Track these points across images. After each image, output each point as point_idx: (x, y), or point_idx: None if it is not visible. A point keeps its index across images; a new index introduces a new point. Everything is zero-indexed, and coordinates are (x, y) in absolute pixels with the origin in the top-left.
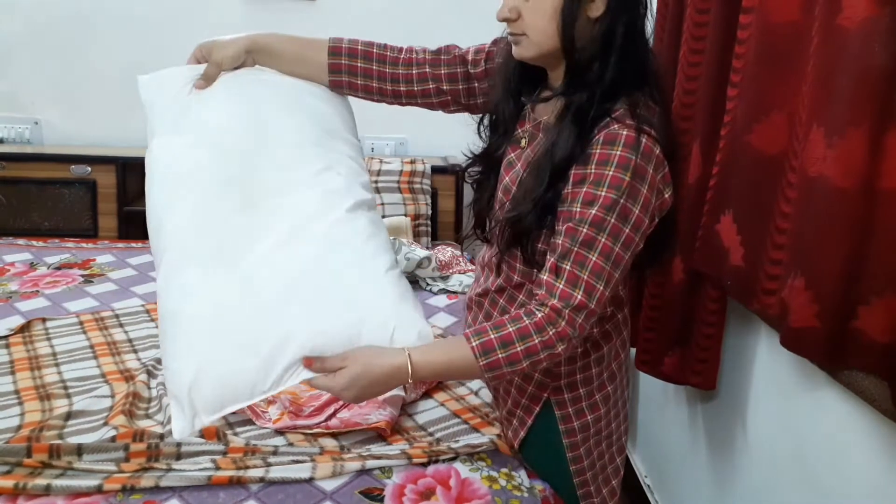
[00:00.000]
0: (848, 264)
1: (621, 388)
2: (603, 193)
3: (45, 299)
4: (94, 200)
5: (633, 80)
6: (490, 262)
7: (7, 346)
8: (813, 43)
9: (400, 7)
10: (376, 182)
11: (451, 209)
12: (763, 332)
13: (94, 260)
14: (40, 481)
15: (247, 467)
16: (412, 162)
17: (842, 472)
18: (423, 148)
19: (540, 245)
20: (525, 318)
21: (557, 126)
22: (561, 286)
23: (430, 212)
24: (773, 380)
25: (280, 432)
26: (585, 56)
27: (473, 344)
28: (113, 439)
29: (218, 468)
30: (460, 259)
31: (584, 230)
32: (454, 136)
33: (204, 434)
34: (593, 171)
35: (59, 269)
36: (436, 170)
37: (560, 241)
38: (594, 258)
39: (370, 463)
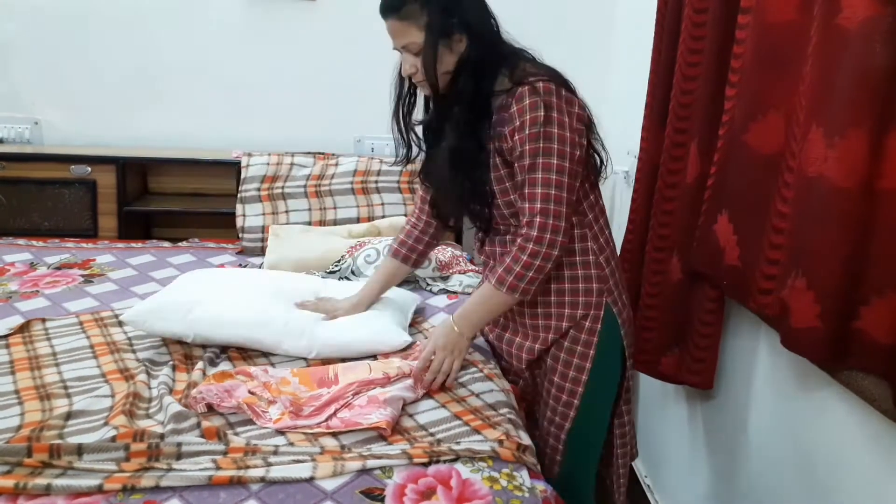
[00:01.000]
0: (849, 265)
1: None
2: (527, 132)
3: (45, 299)
4: (93, 200)
5: (493, 73)
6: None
7: (7, 346)
8: (812, 43)
9: None
10: (376, 182)
11: None
12: (763, 331)
13: (93, 260)
14: (40, 481)
15: (247, 467)
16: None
17: (842, 472)
18: None
19: (500, 211)
20: (513, 247)
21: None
22: (526, 206)
23: None
24: (773, 380)
25: (280, 432)
26: (451, 79)
27: (492, 282)
28: (113, 439)
29: (218, 468)
30: (460, 259)
31: (526, 162)
32: None
33: (204, 434)
34: (517, 123)
35: (59, 269)
36: None
37: (519, 179)
38: (539, 176)
39: (371, 463)
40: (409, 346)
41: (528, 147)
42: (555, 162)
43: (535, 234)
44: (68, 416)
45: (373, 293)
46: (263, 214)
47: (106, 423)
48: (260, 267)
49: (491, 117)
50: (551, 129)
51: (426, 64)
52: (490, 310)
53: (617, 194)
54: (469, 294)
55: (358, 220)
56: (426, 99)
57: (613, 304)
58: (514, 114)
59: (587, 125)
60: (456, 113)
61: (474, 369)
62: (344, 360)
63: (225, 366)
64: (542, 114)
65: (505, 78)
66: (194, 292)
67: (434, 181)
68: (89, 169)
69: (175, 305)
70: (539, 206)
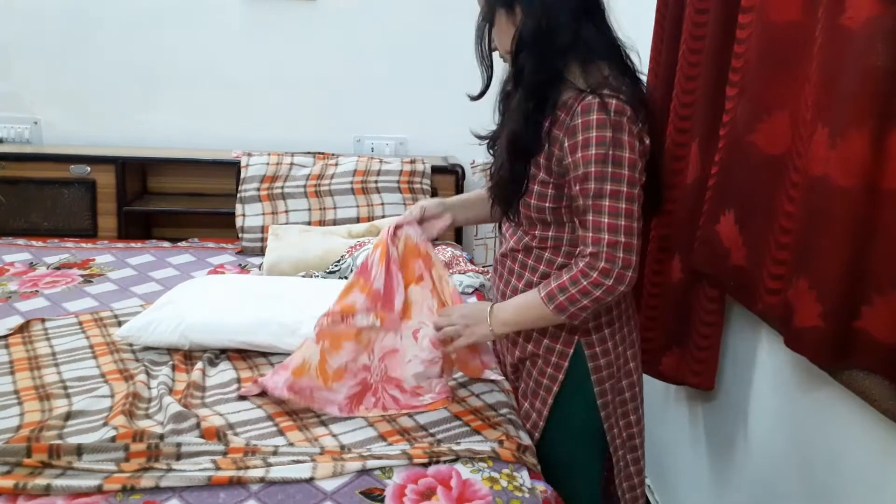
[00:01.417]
0: (851, 264)
1: (629, 328)
2: (593, 152)
3: (44, 299)
4: (93, 200)
5: (564, 57)
6: (507, 226)
7: (6, 346)
8: (816, 43)
9: (399, 7)
10: (376, 182)
11: None
12: (763, 331)
13: (93, 260)
14: (40, 481)
15: (247, 467)
16: (412, 162)
17: (842, 472)
18: (423, 148)
19: (527, 211)
20: (574, 268)
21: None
22: (590, 236)
23: None
24: (774, 380)
25: (281, 432)
26: (516, 56)
27: (541, 294)
28: (113, 439)
29: (218, 468)
30: (460, 259)
31: (591, 186)
32: (454, 136)
33: (204, 434)
34: (580, 138)
35: (58, 269)
36: (436, 170)
37: (578, 204)
38: (606, 203)
39: (371, 463)
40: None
41: (593, 169)
42: (625, 189)
43: (602, 264)
44: (68, 416)
45: (459, 200)
46: (263, 214)
47: (105, 424)
48: (259, 267)
49: (553, 111)
50: (621, 154)
51: (476, 34)
52: (530, 319)
53: None
54: (469, 294)
55: (358, 220)
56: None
57: (588, 346)
58: (577, 126)
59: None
60: (518, 95)
61: None
62: None
63: (224, 365)
64: (610, 135)
65: (578, 74)
66: (184, 303)
67: (495, 154)
68: (89, 169)
69: (166, 318)
70: (607, 237)
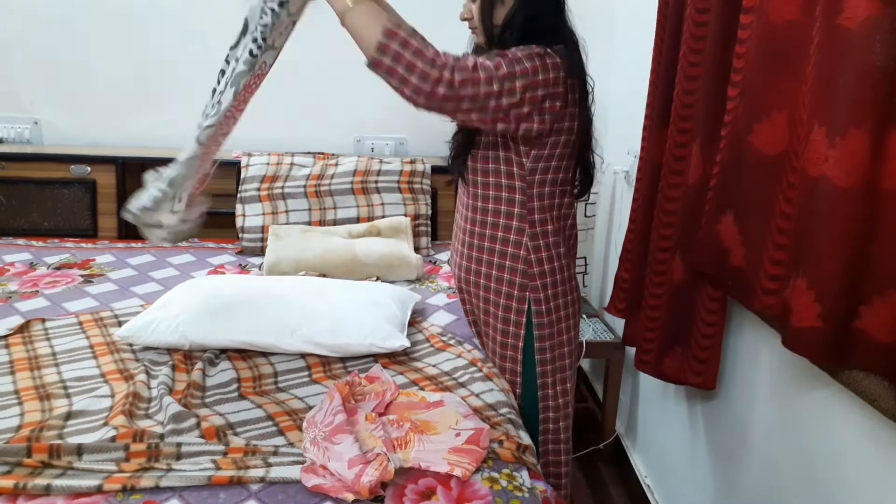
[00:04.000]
0: (849, 264)
1: (572, 303)
2: (512, 53)
3: (44, 299)
4: (93, 200)
5: (539, 41)
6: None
7: (7, 346)
8: (814, 43)
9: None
10: (376, 182)
11: (452, 209)
12: (763, 331)
13: (93, 260)
14: (40, 481)
15: (247, 467)
16: (412, 162)
17: (842, 471)
18: (423, 148)
19: (473, 163)
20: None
21: None
22: (470, 58)
23: (430, 212)
24: (774, 380)
25: (281, 432)
26: (499, 32)
27: (390, 23)
28: (113, 439)
29: (218, 468)
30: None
31: (497, 58)
32: None
33: (204, 434)
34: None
35: (58, 269)
36: (436, 170)
37: None
38: (494, 60)
39: None
40: (405, 350)
41: (506, 57)
42: (504, 70)
43: (449, 64)
44: (68, 416)
45: None
46: (263, 214)
47: (105, 424)
48: (259, 267)
49: None
50: (524, 61)
51: (482, 11)
52: (366, 21)
53: (617, 194)
54: None
55: (358, 220)
56: (476, 47)
57: (535, 302)
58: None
59: (583, 137)
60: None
61: (474, 368)
62: (343, 360)
63: (224, 365)
64: (526, 52)
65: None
66: (184, 303)
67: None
68: (89, 169)
69: (166, 318)
70: (472, 61)
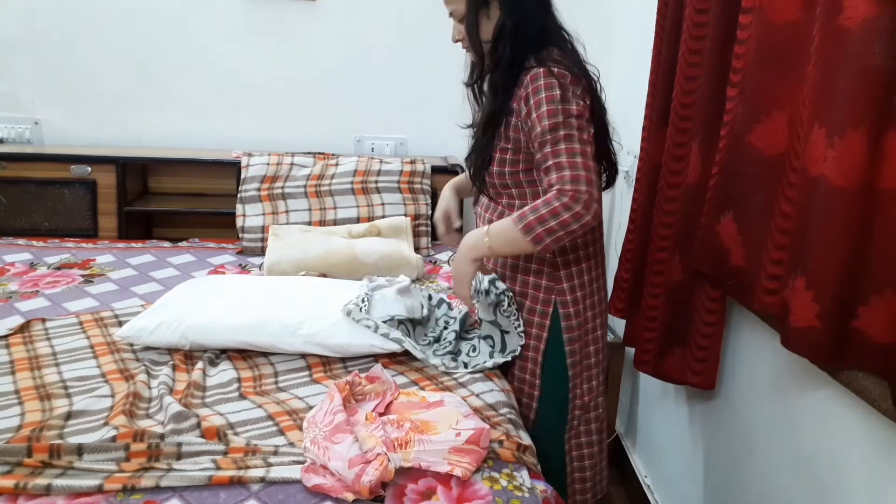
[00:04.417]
0: (848, 264)
1: (599, 294)
2: (545, 109)
3: (45, 299)
4: (94, 200)
5: (532, 46)
6: (481, 205)
7: (7, 346)
8: (813, 43)
9: (399, 7)
10: (376, 182)
11: None
12: (763, 331)
13: (94, 260)
14: (41, 481)
15: (247, 467)
16: (412, 162)
17: (842, 472)
18: (423, 148)
19: (490, 179)
20: (543, 197)
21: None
22: (554, 175)
23: (430, 212)
24: (773, 379)
25: (282, 432)
26: (490, 47)
27: (513, 216)
28: (113, 439)
29: (218, 468)
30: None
31: (548, 137)
32: (454, 136)
33: (204, 434)
34: (533, 101)
35: (59, 269)
36: (436, 170)
37: (539, 158)
38: (563, 147)
39: None
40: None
41: (547, 123)
42: (576, 133)
43: (569, 191)
44: (68, 416)
45: (459, 181)
46: (263, 214)
47: (106, 423)
48: (260, 267)
49: (519, 88)
50: (569, 107)
51: (468, 30)
52: (502, 241)
53: (617, 194)
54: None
55: (358, 220)
56: (472, 65)
57: (563, 305)
58: (529, 93)
59: (599, 127)
60: (495, 78)
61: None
62: (343, 360)
63: (225, 365)
64: (558, 93)
65: (532, 57)
66: (184, 303)
67: (474, 136)
68: (89, 169)
69: (166, 318)
70: (569, 172)
